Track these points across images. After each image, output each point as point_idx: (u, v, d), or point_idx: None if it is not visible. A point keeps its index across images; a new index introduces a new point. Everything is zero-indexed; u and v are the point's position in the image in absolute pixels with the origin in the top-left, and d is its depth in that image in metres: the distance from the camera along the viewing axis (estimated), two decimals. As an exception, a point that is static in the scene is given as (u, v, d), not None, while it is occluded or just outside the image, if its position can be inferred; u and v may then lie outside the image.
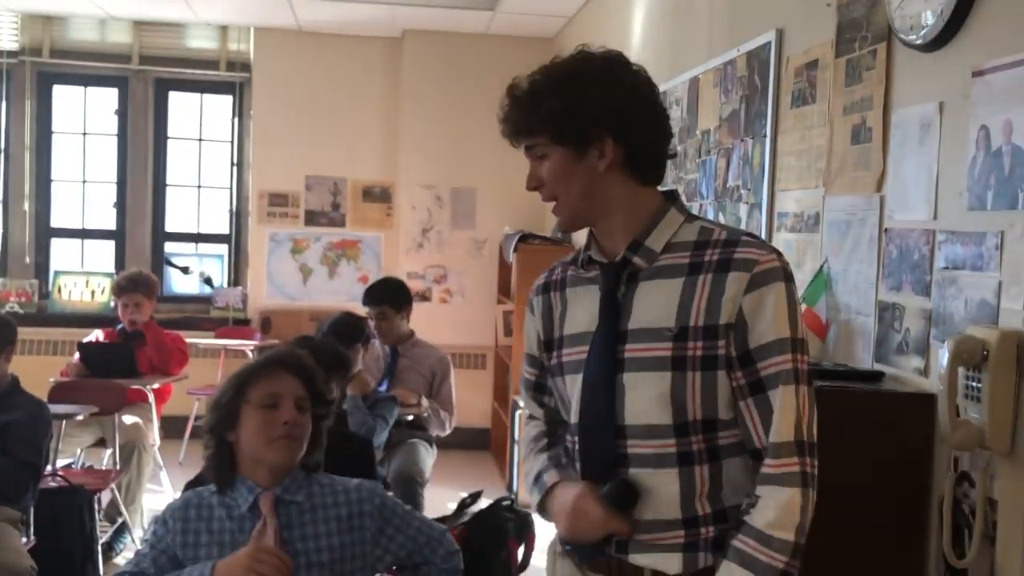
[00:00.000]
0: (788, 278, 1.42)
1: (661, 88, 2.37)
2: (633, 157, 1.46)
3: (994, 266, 1.97)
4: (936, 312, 2.17)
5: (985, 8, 2.06)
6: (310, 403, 2.02)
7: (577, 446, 1.52)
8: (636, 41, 4.75)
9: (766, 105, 3.16)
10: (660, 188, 1.54)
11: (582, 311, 1.53)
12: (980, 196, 2.03)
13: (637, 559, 1.45)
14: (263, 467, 1.96)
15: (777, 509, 1.36)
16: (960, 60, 2.13)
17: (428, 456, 4.16)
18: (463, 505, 3.24)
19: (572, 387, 1.52)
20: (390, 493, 2.29)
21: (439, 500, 4.34)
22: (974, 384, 1.89)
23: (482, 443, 6.52)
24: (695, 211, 2.22)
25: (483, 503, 3.24)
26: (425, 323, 5.22)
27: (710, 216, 3.54)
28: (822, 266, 2.69)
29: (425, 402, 4.26)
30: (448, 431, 4.40)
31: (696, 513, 1.43)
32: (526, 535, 4.14)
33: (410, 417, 4.22)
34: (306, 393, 2.01)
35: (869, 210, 2.50)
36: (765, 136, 3.16)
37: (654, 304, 1.44)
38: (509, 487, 5.47)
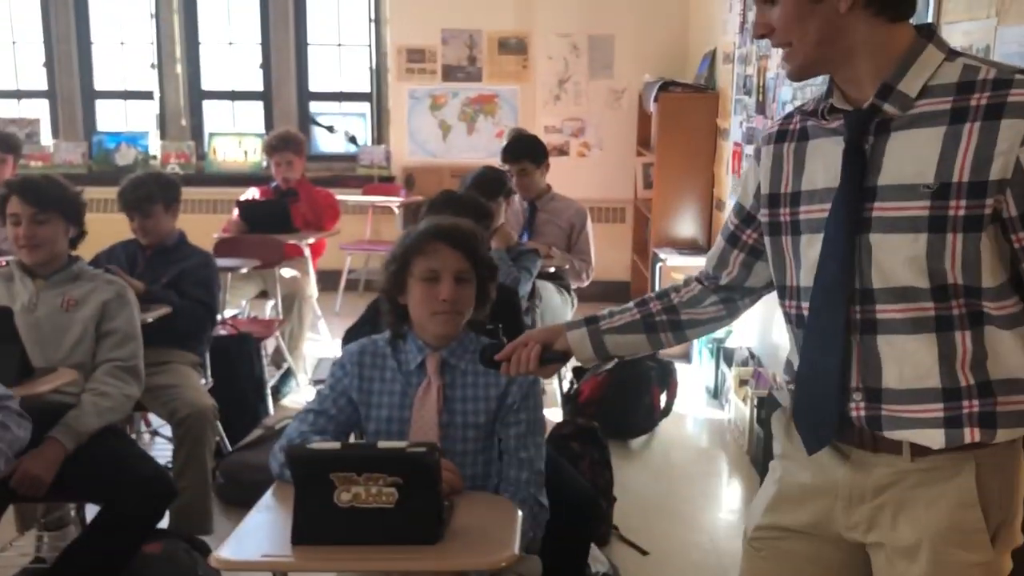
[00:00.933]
0: None
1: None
2: None
3: None
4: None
5: None
6: (473, 272, 2.06)
7: (807, 310, 1.41)
8: None
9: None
10: (912, 22, 1.34)
11: (823, 165, 1.38)
12: None
13: (894, 434, 1.35)
14: (429, 332, 2.06)
15: None
16: None
17: (567, 307, 4.25)
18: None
19: (808, 247, 1.40)
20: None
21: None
22: None
23: (622, 296, 6.58)
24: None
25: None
26: (563, 177, 5.21)
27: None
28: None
29: (557, 253, 4.33)
30: (586, 282, 4.49)
31: (958, 384, 1.30)
32: (669, 382, 4.24)
33: (551, 269, 4.30)
34: (468, 264, 2.04)
35: (1048, 41, 2.30)
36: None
37: (909, 157, 1.28)
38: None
